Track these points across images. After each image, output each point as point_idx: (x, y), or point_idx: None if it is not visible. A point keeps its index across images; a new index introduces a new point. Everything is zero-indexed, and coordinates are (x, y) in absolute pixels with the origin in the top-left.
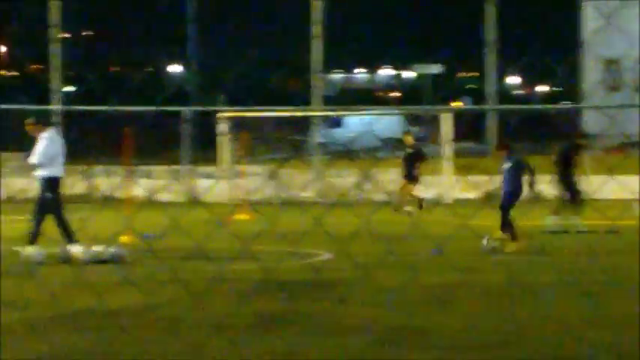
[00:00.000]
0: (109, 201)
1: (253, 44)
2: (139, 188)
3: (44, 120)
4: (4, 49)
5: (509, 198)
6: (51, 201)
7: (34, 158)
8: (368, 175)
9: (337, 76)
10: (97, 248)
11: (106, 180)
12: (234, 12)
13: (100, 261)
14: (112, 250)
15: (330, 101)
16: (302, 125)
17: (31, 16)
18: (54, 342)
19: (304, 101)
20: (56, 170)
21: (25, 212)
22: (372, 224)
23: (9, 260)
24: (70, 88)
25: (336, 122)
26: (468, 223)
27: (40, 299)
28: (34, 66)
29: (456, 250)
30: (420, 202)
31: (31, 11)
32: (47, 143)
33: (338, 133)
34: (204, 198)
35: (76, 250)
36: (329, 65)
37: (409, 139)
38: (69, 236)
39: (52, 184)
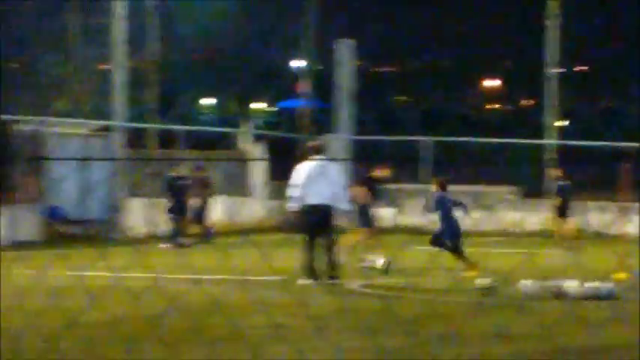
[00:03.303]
0: (602, 237)
1: None
2: (632, 224)
3: (307, 150)
4: (498, 82)
5: None
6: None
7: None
8: None
9: None
10: (591, 284)
11: (599, 216)
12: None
13: (594, 297)
14: (607, 286)
15: None
16: None
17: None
18: None
19: None
20: (309, 198)
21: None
22: None
23: (504, 293)
24: (564, 123)
25: None
26: None
27: (530, 333)
28: (527, 101)
29: None
30: None
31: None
32: (296, 173)
33: None
34: None
35: (571, 285)
36: None
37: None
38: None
39: (302, 213)
